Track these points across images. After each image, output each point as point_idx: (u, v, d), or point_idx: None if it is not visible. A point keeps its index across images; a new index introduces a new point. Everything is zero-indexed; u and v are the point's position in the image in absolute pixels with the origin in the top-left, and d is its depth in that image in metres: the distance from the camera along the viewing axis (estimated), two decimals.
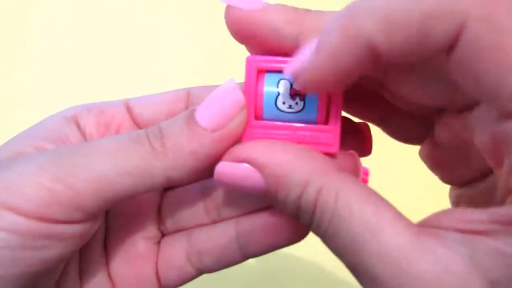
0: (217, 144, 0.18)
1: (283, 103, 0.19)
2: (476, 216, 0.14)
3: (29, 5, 0.49)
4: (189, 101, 0.23)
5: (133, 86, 0.46)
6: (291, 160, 0.17)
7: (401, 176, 0.44)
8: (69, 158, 0.17)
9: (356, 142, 0.21)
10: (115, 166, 0.17)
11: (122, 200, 0.18)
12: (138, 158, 0.18)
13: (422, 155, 0.22)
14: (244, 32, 0.18)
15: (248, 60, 0.19)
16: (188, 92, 0.23)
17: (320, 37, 0.16)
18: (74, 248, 0.18)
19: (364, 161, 0.22)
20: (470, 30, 0.13)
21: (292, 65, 0.17)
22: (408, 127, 0.21)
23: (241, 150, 0.18)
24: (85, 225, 0.18)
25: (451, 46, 0.14)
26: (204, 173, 0.19)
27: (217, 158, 0.19)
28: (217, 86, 0.19)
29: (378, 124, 0.22)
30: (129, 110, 0.23)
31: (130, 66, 0.48)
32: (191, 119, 0.18)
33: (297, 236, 0.20)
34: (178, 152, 0.18)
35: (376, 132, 0.22)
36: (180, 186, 0.23)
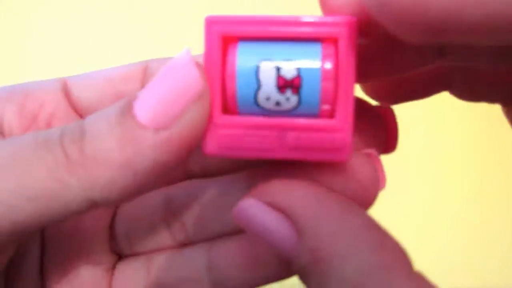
0: (162, 150, 0.12)
1: (267, 98, 0.12)
2: None
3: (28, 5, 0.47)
4: (145, 78, 0.17)
5: None
6: (347, 238, 0.11)
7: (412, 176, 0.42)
8: None
9: (374, 134, 0.15)
10: (8, 186, 0.12)
11: (32, 231, 0.13)
12: (43, 172, 0.12)
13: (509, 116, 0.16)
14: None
15: (208, 22, 0.12)
16: (145, 68, 0.17)
17: None
18: None
19: None
20: None
21: None
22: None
23: (282, 192, 0.13)
24: None
25: None
26: (150, 188, 0.13)
27: (166, 169, 0.12)
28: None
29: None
30: (66, 92, 0.17)
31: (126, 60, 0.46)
32: (126, 112, 0.12)
33: (287, 271, 0.15)
34: (103, 163, 0.12)
35: None
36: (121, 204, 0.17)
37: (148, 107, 0.12)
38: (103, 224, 0.17)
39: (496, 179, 0.42)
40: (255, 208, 0.13)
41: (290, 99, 0.12)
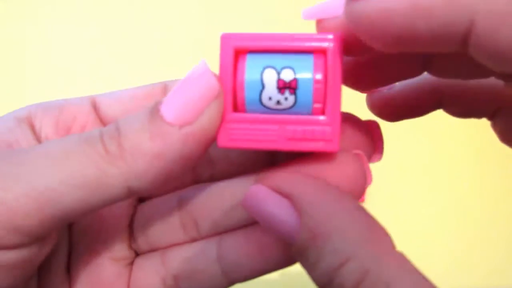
0: (187, 144, 0.15)
1: (269, 98, 0.15)
2: None
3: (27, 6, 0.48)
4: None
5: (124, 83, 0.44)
6: (339, 218, 0.14)
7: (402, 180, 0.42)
8: (2, 168, 0.14)
9: (363, 144, 0.18)
10: (60, 176, 0.14)
11: (76, 217, 0.15)
12: (89, 164, 0.14)
13: (496, 129, 0.19)
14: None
15: (223, 38, 0.15)
16: (165, 86, 0.19)
17: None
18: (16, 280, 0.15)
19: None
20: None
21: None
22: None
23: (287, 182, 0.15)
24: (28, 250, 0.15)
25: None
26: (175, 179, 0.16)
27: (190, 161, 0.15)
28: None
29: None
30: (95, 108, 0.19)
31: (128, 64, 0.47)
32: (155, 113, 0.15)
33: (290, 258, 0.17)
34: (139, 155, 0.14)
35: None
36: (155, 197, 0.20)
37: (173, 108, 0.15)
38: (124, 224, 0.19)
39: (496, 179, 0.43)
40: (263, 192, 0.15)
41: (288, 99, 0.15)
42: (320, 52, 0.15)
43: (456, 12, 0.12)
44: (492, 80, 0.17)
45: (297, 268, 0.16)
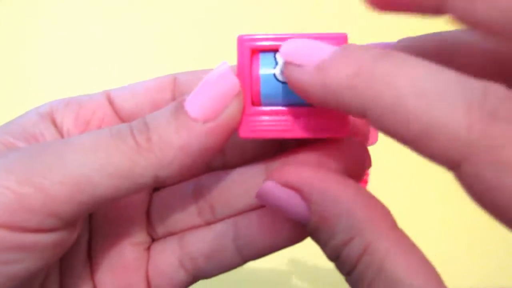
0: (210, 137, 0.16)
1: (282, 72, 0.17)
2: None
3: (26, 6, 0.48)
4: (175, 88, 0.20)
5: (131, 79, 0.44)
6: (344, 202, 0.15)
7: (400, 176, 0.43)
8: (40, 157, 0.15)
9: (361, 129, 0.20)
10: (93, 165, 0.15)
11: (104, 204, 0.16)
12: (120, 155, 0.16)
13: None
14: None
15: (240, 40, 0.16)
16: (174, 79, 0.21)
17: None
18: (48, 261, 0.16)
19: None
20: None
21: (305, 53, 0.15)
22: None
23: (293, 175, 0.17)
24: (61, 233, 0.16)
25: None
26: (196, 169, 0.17)
27: (212, 152, 0.17)
28: (205, 70, 0.17)
29: None
30: (110, 102, 0.20)
31: (127, 61, 0.47)
32: (179, 109, 0.16)
33: (299, 235, 0.19)
34: (166, 147, 0.16)
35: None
36: (170, 185, 0.21)
37: (197, 105, 0.16)
38: (141, 211, 0.21)
39: None
40: (274, 189, 0.17)
41: None
42: None
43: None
44: None
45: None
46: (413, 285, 0.14)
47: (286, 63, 0.15)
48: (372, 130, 0.20)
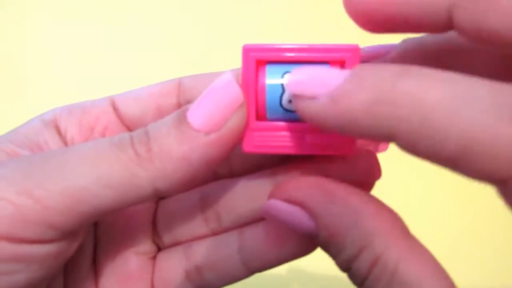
0: (212, 148, 0.15)
1: (290, 101, 0.16)
2: None
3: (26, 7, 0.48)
4: (180, 93, 0.20)
5: (134, 84, 0.44)
6: (350, 214, 0.15)
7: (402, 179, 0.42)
8: (40, 167, 0.15)
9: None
10: (92, 177, 0.15)
11: (105, 215, 0.16)
12: (120, 166, 0.15)
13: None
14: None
15: (245, 50, 0.16)
16: (178, 83, 0.20)
17: None
18: (49, 271, 0.16)
19: None
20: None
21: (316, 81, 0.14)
22: None
23: (297, 192, 0.16)
24: (61, 244, 0.16)
25: None
26: (199, 180, 0.17)
27: (214, 164, 0.16)
28: (211, 73, 0.16)
29: None
30: (115, 108, 0.20)
31: (128, 64, 0.47)
32: (182, 119, 0.16)
33: (306, 248, 0.18)
34: (166, 158, 0.15)
35: None
36: (176, 194, 0.21)
37: (199, 115, 0.15)
38: (147, 219, 0.20)
39: None
40: (278, 206, 0.16)
41: None
42: (336, 63, 0.16)
43: None
44: None
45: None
46: None
47: (296, 96, 0.14)
48: None
